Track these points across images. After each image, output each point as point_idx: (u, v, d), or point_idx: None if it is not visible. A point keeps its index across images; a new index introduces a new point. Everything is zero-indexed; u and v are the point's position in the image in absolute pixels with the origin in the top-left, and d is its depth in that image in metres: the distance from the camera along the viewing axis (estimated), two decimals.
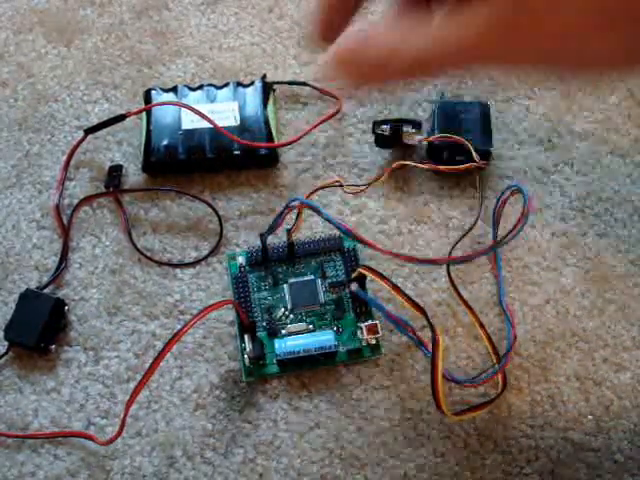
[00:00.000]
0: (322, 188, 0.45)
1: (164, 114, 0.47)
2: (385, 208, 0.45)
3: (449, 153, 0.45)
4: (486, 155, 0.45)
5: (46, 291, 0.42)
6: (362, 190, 0.45)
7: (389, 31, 0.26)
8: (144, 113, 0.47)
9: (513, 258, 0.44)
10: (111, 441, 0.37)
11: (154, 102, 0.47)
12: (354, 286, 0.41)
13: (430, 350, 0.38)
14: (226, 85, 0.48)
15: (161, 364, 0.36)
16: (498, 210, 0.43)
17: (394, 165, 0.45)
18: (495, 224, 0.43)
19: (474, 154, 0.44)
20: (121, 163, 0.47)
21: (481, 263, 0.43)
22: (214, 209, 0.45)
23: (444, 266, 0.43)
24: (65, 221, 0.45)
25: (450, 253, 0.43)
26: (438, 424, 0.39)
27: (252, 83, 0.49)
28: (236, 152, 0.46)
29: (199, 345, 0.41)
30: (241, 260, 0.43)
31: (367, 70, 0.26)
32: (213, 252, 0.44)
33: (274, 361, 0.40)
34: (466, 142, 0.44)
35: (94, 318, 0.42)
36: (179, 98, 0.48)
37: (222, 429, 0.39)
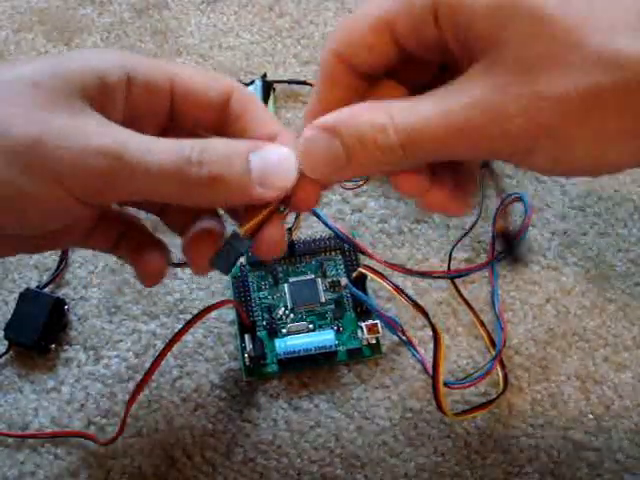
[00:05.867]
0: None
1: None
2: (385, 207, 0.45)
3: None
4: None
5: (46, 290, 0.42)
6: (360, 186, 0.45)
7: (385, 103, 0.24)
8: None
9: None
10: (111, 441, 0.37)
11: None
12: (344, 280, 0.41)
13: (418, 351, 0.39)
14: None
15: (161, 364, 0.36)
16: (498, 216, 0.43)
17: None
18: (495, 230, 0.43)
19: None
20: None
21: (481, 262, 0.43)
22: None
23: (444, 266, 0.43)
24: None
25: (450, 253, 0.43)
26: (438, 423, 0.39)
27: (252, 82, 0.49)
28: None
29: (199, 345, 0.41)
30: (241, 259, 0.43)
31: (349, 150, 0.24)
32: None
33: (274, 361, 0.40)
34: None
35: (94, 317, 0.42)
36: None
37: (222, 429, 0.39)
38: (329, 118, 0.24)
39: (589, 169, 0.24)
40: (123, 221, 0.32)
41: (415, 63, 0.26)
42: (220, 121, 0.28)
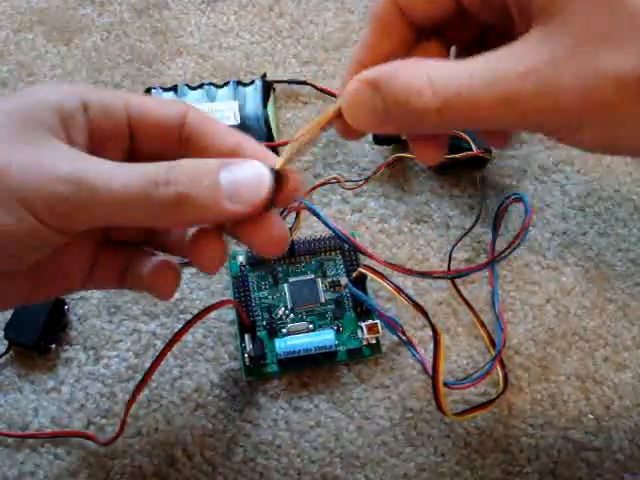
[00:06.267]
0: (320, 185, 0.45)
1: None
2: (385, 207, 0.45)
3: (449, 148, 0.45)
4: (487, 153, 0.45)
5: None
6: (360, 185, 0.45)
7: (428, 65, 0.23)
8: None
9: (513, 257, 0.44)
10: (111, 441, 0.37)
11: None
12: (344, 280, 0.41)
13: (418, 351, 0.39)
14: (226, 84, 0.48)
15: (161, 364, 0.36)
16: (499, 216, 0.43)
17: (392, 157, 0.45)
18: (495, 229, 0.43)
19: (474, 147, 0.43)
20: None
21: (481, 263, 0.43)
22: None
23: (444, 265, 0.43)
24: None
25: (450, 253, 0.43)
26: (438, 423, 0.39)
27: (252, 82, 0.49)
28: None
29: (199, 344, 0.41)
30: (241, 259, 0.43)
31: (388, 105, 0.24)
32: None
33: (274, 360, 0.40)
34: (466, 136, 0.43)
35: (94, 317, 0.42)
36: (179, 97, 0.48)
37: (222, 429, 0.39)
38: (373, 72, 0.24)
39: (636, 150, 0.24)
40: (123, 254, 0.32)
41: (469, 22, 0.26)
42: (180, 142, 0.29)
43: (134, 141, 0.29)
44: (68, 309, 0.42)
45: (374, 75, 0.24)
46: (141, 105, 0.28)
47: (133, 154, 0.29)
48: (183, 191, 0.24)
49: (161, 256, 0.32)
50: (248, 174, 0.25)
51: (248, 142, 0.28)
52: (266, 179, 0.25)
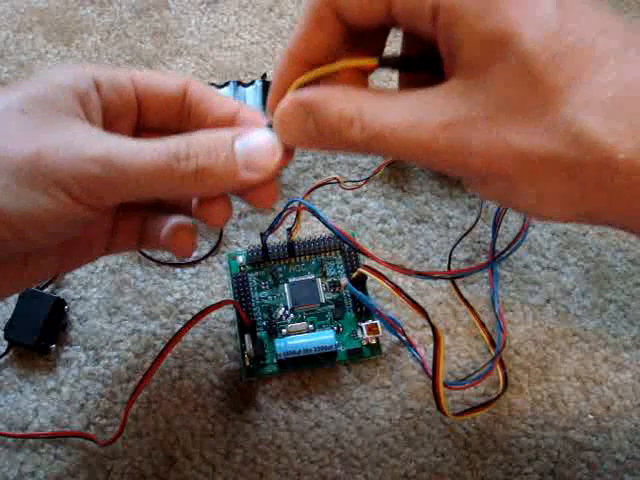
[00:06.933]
0: (320, 186, 0.45)
1: None
2: (385, 207, 0.45)
3: None
4: None
5: (46, 291, 0.42)
6: (360, 185, 0.45)
7: (359, 96, 0.25)
8: None
9: (513, 257, 0.44)
10: (111, 441, 0.37)
11: None
12: (344, 280, 0.41)
13: (418, 352, 0.39)
14: (226, 84, 0.48)
15: (161, 364, 0.36)
16: (499, 216, 0.43)
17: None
18: (495, 230, 0.43)
19: None
20: None
21: (481, 263, 0.43)
22: None
23: (444, 265, 0.43)
24: None
25: (450, 253, 0.43)
26: (438, 423, 0.39)
27: (252, 82, 0.49)
28: None
29: (199, 345, 0.41)
30: (241, 259, 0.43)
31: (320, 128, 0.25)
32: (213, 251, 0.44)
33: (274, 361, 0.40)
34: None
35: (94, 318, 0.42)
36: None
37: (222, 429, 0.39)
38: (306, 94, 0.25)
39: (532, 214, 0.25)
40: (139, 218, 0.34)
41: (406, 37, 0.27)
42: (182, 113, 0.31)
43: (140, 114, 0.31)
44: (68, 309, 0.42)
45: (307, 98, 0.25)
46: (147, 79, 0.30)
47: (139, 127, 0.31)
48: (202, 164, 0.26)
49: (175, 217, 0.33)
50: (260, 142, 0.27)
51: (244, 108, 0.30)
52: (277, 146, 0.27)
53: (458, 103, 0.22)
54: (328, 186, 0.45)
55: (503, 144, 0.22)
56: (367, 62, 0.26)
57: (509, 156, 0.22)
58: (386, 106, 0.24)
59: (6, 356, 0.40)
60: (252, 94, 0.48)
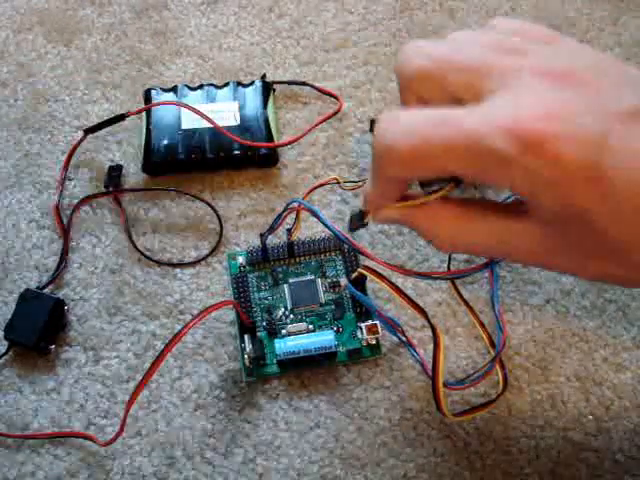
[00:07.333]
0: (320, 186, 0.45)
1: (164, 114, 0.47)
2: None
3: None
4: None
5: (46, 291, 0.42)
6: (360, 186, 0.45)
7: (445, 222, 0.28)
8: (144, 113, 0.47)
9: None
10: (111, 441, 0.37)
11: (154, 102, 0.47)
12: (344, 281, 0.41)
13: (418, 352, 0.39)
14: (226, 85, 0.48)
15: (161, 364, 0.36)
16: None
17: None
18: None
19: None
20: (121, 163, 0.47)
21: (481, 263, 0.43)
22: (214, 209, 0.45)
23: (444, 266, 0.43)
24: (65, 221, 0.45)
25: (450, 253, 0.43)
26: (438, 424, 0.39)
27: (252, 83, 0.49)
28: (236, 152, 0.46)
29: (199, 345, 0.41)
30: (241, 260, 0.43)
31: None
32: (213, 252, 0.44)
33: (274, 361, 0.40)
34: None
35: (94, 318, 0.42)
36: (179, 98, 0.48)
37: (222, 429, 0.39)
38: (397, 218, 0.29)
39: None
40: None
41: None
42: None
43: None
44: (68, 310, 0.42)
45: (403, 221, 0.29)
46: None
47: None
48: None
49: None
50: None
51: None
52: None
53: (539, 239, 0.26)
54: (328, 186, 0.45)
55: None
56: (449, 189, 0.27)
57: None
58: (476, 231, 0.28)
59: (6, 356, 0.40)
60: (252, 94, 0.48)
